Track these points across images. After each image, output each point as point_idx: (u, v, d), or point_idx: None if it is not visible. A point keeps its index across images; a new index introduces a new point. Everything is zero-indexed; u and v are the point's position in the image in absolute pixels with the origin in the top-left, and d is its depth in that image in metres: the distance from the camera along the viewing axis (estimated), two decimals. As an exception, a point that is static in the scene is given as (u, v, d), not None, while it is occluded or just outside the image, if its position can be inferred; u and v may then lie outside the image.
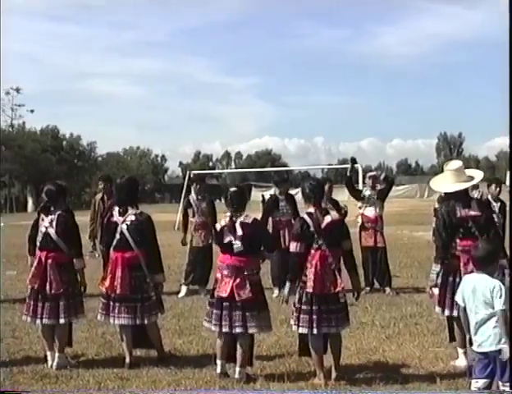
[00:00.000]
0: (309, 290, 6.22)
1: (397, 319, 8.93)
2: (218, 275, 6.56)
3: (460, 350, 6.78)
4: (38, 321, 7.04)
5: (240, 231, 6.45)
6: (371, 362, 6.96)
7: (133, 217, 7.00)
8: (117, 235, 6.99)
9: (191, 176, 26.50)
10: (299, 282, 6.32)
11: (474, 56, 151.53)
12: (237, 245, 6.46)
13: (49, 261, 7.00)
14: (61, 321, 7.00)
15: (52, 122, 77.78)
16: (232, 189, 6.72)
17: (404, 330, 8.33)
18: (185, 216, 11.72)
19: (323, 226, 6.31)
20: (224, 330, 6.44)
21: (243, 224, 6.48)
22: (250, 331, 6.42)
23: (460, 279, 6.22)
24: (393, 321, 8.82)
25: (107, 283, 6.92)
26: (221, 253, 6.60)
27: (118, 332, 7.16)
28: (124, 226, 6.97)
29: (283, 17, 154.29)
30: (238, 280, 6.37)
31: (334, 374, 6.34)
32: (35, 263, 7.07)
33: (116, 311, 6.90)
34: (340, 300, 6.30)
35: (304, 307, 6.25)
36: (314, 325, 6.20)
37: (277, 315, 8.99)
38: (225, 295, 6.39)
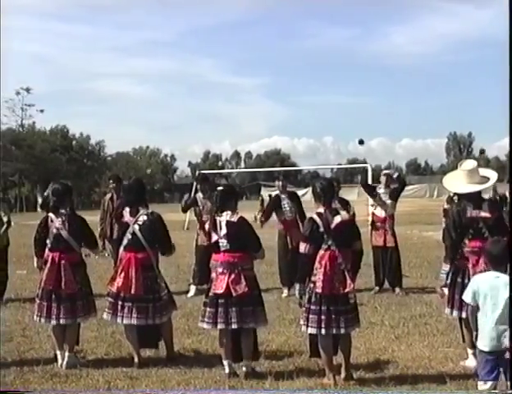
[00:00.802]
0: (318, 290, 6.19)
1: (406, 319, 8.90)
2: (212, 274, 6.59)
3: (470, 351, 6.74)
4: (53, 321, 7.02)
5: (224, 230, 6.51)
6: (380, 362, 6.93)
7: (145, 217, 7.01)
8: (129, 236, 7.00)
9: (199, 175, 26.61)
10: (309, 283, 6.32)
11: (484, 55, 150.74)
12: (223, 243, 6.51)
13: (63, 262, 7.02)
14: (79, 320, 7.09)
15: (62, 122, 77.83)
16: (218, 188, 6.78)
17: (413, 330, 8.31)
18: (186, 211, 11.84)
19: (333, 226, 6.28)
20: (219, 327, 6.47)
21: (228, 223, 6.53)
22: (246, 326, 6.44)
23: (469, 280, 6.19)
24: (402, 321, 8.80)
25: (119, 283, 6.89)
26: (213, 252, 6.65)
27: (124, 332, 7.14)
28: (136, 227, 6.98)
29: (292, 17, 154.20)
30: (233, 275, 6.40)
31: (343, 374, 6.32)
32: (48, 264, 7.05)
33: (126, 310, 6.88)
34: (349, 300, 6.27)
35: (313, 307, 6.23)
36: (323, 325, 6.18)
37: (286, 315, 9.02)
38: (221, 291, 6.40)
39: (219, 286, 6.44)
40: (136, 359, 6.93)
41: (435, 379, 6.31)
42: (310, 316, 6.24)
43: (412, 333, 8.14)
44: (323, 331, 6.19)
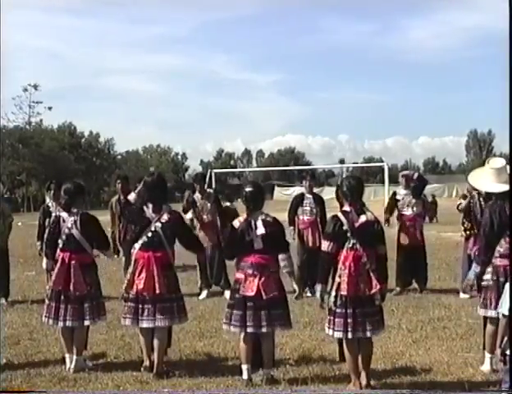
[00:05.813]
0: (344, 292, 6.02)
1: (424, 323, 8.75)
2: (240, 275, 6.41)
3: (488, 355, 6.58)
4: (60, 323, 6.88)
5: (261, 230, 6.37)
6: (397, 367, 6.78)
7: (167, 216, 6.80)
8: (149, 233, 6.77)
9: (212, 174, 26.42)
10: (332, 284, 6.13)
11: (506, 51, 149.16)
12: (257, 243, 6.37)
13: (73, 262, 6.89)
14: (86, 322, 6.92)
15: (71, 120, 77.05)
16: (248, 188, 6.62)
17: (431, 334, 8.15)
18: (187, 212, 11.41)
19: (357, 225, 6.12)
20: (249, 330, 6.30)
21: (265, 222, 6.40)
22: (275, 329, 6.37)
23: (506, 279, 6.03)
24: (420, 324, 8.64)
25: (139, 285, 6.59)
26: (241, 252, 6.45)
27: (140, 335, 6.83)
28: (158, 224, 6.79)
29: (307, 12, 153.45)
30: (263, 278, 6.27)
31: (364, 381, 6.11)
32: (58, 265, 6.94)
33: (146, 313, 6.59)
34: (375, 302, 6.09)
35: (338, 310, 6.06)
36: (349, 329, 6.01)
37: (300, 318, 8.87)
38: (251, 293, 6.26)
39: (249, 288, 6.29)
40: (147, 363, 6.75)
41: (454, 385, 6.19)
42: (336, 319, 6.07)
43: (430, 337, 7.98)
44: (349, 334, 6.02)
